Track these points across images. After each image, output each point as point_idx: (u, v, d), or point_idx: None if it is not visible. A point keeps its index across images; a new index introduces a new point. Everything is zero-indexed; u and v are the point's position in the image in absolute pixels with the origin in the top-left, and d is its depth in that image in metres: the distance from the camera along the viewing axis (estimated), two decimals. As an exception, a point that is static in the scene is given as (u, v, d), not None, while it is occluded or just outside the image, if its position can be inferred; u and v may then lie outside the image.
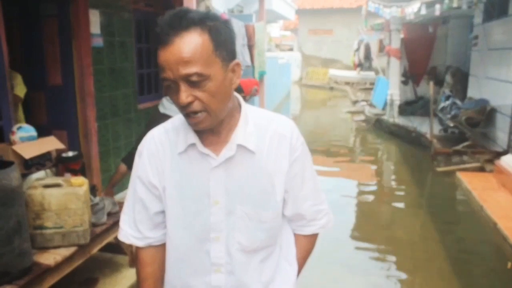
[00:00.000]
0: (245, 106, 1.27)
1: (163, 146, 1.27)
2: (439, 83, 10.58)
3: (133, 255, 3.51)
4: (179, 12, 1.09)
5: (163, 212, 1.30)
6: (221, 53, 1.11)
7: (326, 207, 1.41)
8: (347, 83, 20.40)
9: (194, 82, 1.08)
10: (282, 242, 1.38)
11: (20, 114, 4.11)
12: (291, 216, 1.36)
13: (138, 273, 1.37)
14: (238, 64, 1.17)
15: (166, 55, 1.08)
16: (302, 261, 1.43)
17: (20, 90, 4.06)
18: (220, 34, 1.11)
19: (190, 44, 1.06)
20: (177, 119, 1.30)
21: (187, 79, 1.08)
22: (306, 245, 1.43)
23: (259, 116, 1.28)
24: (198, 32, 1.07)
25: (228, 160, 1.21)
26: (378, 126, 10.92)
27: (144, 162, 1.28)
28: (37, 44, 4.36)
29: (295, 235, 1.42)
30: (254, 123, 1.25)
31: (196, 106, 1.11)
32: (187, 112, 1.13)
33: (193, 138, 1.22)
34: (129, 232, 1.34)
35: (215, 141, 1.23)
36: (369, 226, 5.16)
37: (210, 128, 1.20)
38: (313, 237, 1.43)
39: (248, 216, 1.24)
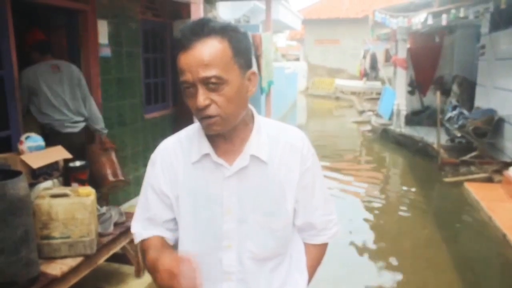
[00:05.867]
0: (258, 116, 1.30)
1: (176, 155, 1.30)
2: (446, 92, 10.54)
3: (140, 265, 3.50)
4: (201, 20, 1.16)
5: (172, 220, 1.33)
6: (239, 60, 1.16)
7: (335, 217, 1.44)
8: (353, 93, 20.38)
9: (213, 85, 1.12)
10: (293, 251, 1.40)
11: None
12: (301, 226, 1.38)
13: (146, 260, 1.29)
14: (254, 73, 1.22)
15: (187, 59, 1.12)
16: (312, 270, 1.45)
17: None
18: (239, 42, 1.16)
19: (211, 48, 1.12)
20: (191, 128, 1.33)
21: (206, 82, 1.12)
22: (316, 254, 1.45)
23: (271, 127, 1.32)
24: (219, 39, 1.13)
25: (241, 170, 1.24)
26: (385, 136, 10.87)
27: (157, 171, 1.31)
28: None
29: (305, 244, 1.44)
30: (266, 133, 1.28)
31: (212, 110, 1.14)
32: (202, 116, 1.15)
33: (207, 148, 1.25)
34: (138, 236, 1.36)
35: (228, 150, 1.26)
36: (376, 236, 5.12)
37: (223, 135, 1.23)
38: (323, 246, 1.46)
39: (259, 224, 1.26)
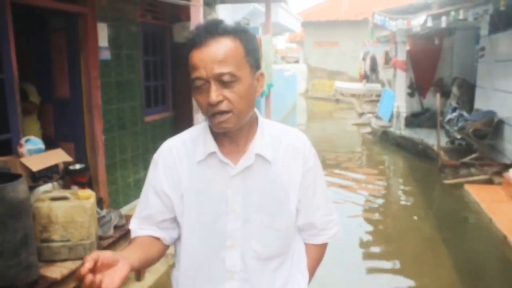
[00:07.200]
0: (261, 118, 1.33)
1: (180, 157, 1.31)
2: (446, 94, 10.54)
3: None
4: (214, 20, 1.20)
5: (169, 220, 1.33)
6: (250, 60, 1.20)
7: (336, 217, 1.46)
8: (353, 95, 20.39)
9: (226, 82, 1.15)
10: (294, 252, 1.42)
11: (35, 125, 4.16)
12: (302, 226, 1.40)
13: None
14: (262, 74, 1.26)
15: (201, 55, 1.15)
16: (312, 270, 1.47)
17: (35, 98, 4.16)
18: (250, 43, 1.21)
19: (224, 46, 1.16)
20: (194, 130, 1.35)
21: (219, 78, 1.15)
22: (317, 255, 1.47)
23: (273, 128, 1.34)
24: (231, 38, 1.18)
25: (246, 170, 1.26)
26: (385, 138, 10.88)
27: (159, 172, 1.32)
28: (45, 57, 4.39)
29: (306, 244, 1.46)
30: (269, 134, 1.31)
31: (224, 106, 1.17)
32: (214, 112, 1.17)
33: (213, 147, 1.27)
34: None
35: (233, 151, 1.28)
36: (375, 238, 5.12)
37: (229, 135, 1.26)
38: (323, 246, 1.48)
39: (263, 224, 1.28)
